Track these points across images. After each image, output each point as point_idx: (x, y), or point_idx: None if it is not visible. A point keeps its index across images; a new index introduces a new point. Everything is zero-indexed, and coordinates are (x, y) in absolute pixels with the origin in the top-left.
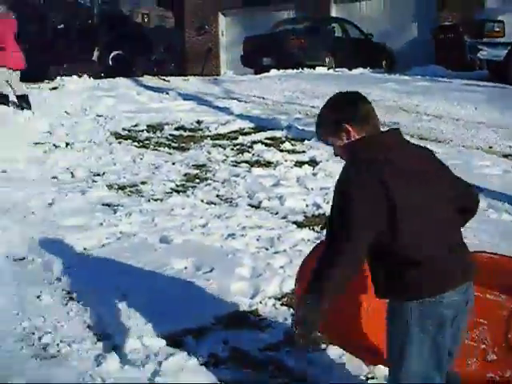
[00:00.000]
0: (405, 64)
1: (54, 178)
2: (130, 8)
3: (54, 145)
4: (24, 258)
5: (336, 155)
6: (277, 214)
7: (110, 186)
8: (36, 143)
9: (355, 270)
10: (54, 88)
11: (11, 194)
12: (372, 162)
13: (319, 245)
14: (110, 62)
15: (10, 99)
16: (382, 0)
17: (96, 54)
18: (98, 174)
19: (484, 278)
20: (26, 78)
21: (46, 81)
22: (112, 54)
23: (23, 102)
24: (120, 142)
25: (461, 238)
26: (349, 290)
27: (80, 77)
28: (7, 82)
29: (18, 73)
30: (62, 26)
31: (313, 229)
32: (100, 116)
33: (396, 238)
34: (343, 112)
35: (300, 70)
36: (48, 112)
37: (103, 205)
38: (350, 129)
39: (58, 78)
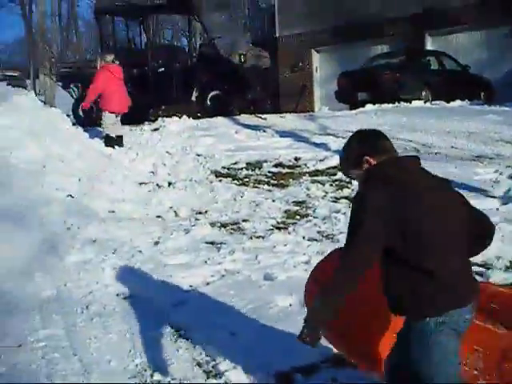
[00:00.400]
0: (504, 95)
1: (158, 217)
2: (227, 49)
3: (158, 184)
4: (133, 296)
5: (352, 179)
6: None
7: (212, 224)
8: (140, 183)
9: (355, 284)
10: (156, 129)
11: (119, 233)
12: (387, 179)
13: (335, 252)
14: (209, 102)
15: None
16: (479, 31)
17: (195, 94)
18: (201, 213)
19: (487, 308)
20: (129, 120)
21: (148, 122)
22: (210, 95)
23: (119, 142)
24: (220, 180)
25: (469, 260)
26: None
27: (180, 117)
28: (114, 125)
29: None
30: (162, 69)
31: None
32: (200, 155)
33: (413, 254)
34: (364, 147)
35: (396, 104)
36: (150, 153)
37: (207, 243)
38: (371, 160)
39: (159, 119)
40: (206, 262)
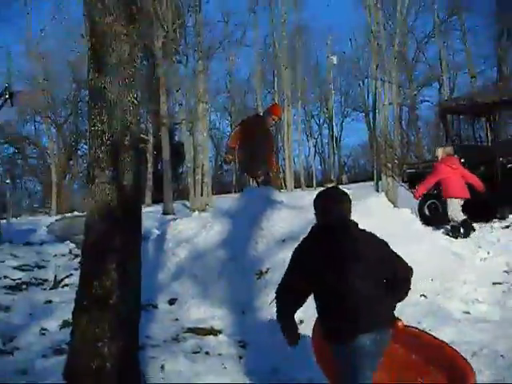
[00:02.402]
0: None
1: None
2: None
3: None
4: None
5: None
6: None
7: None
8: (494, 283)
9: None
10: (507, 226)
11: (477, 335)
12: (310, 236)
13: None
14: None
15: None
16: None
17: None
18: None
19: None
20: (477, 218)
21: (497, 220)
22: None
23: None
24: None
25: (375, 299)
26: None
27: None
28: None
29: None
30: (511, 165)
31: None
32: None
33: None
34: (314, 205)
35: None
36: (503, 251)
37: None
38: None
39: (510, 216)
40: None
